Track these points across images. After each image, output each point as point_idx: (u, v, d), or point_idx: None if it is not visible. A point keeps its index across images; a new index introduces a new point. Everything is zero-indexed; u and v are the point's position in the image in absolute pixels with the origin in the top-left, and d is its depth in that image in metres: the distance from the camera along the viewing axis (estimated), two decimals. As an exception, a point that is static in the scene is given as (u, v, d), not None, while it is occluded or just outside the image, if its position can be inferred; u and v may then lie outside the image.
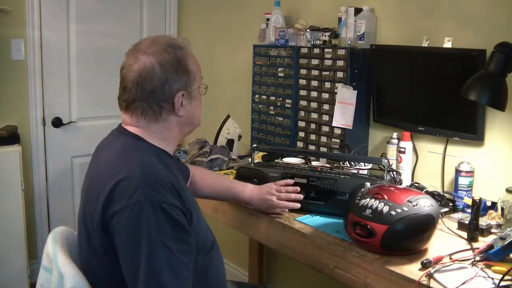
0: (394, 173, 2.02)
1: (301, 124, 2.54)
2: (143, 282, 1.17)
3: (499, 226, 1.74)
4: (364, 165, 2.14)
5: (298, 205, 1.85)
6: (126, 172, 1.25)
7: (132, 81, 1.34)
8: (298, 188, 1.86)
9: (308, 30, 2.49)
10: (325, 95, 2.39)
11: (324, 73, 2.39)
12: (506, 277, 1.36)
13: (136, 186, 1.21)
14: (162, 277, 1.18)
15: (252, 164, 2.08)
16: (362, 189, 1.68)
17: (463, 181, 1.96)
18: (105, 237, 1.24)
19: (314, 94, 2.45)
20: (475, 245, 1.62)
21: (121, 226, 1.21)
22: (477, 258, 1.50)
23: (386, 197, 1.57)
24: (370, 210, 1.55)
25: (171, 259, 1.19)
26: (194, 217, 1.34)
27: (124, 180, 1.23)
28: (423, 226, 1.53)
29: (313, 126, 2.48)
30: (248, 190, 1.88)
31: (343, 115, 2.30)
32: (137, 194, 1.20)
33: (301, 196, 1.85)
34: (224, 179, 2.03)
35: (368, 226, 1.53)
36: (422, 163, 2.20)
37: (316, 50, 2.41)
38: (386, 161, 1.93)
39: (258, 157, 2.56)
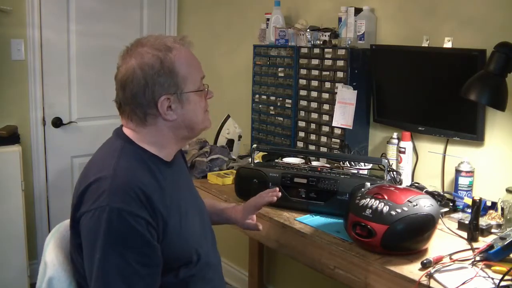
0: (394, 173, 2.02)
1: (301, 124, 2.54)
2: (93, 285, 1.18)
3: (499, 226, 1.74)
4: (364, 165, 2.14)
5: (274, 199, 1.63)
6: (99, 174, 1.23)
7: (118, 83, 1.33)
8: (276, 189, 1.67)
9: (308, 30, 2.49)
10: (325, 95, 2.39)
11: (324, 73, 2.39)
12: (506, 277, 1.36)
13: (102, 191, 1.20)
14: (110, 284, 1.16)
15: (252, 164, 2.08)
16: (362, 189, 1.68)
17: (463, 181, 1.96)
18: (75, 235, 1.26)
19: (314, 94, 2.45)
20: (475, 245, 1.62)
21: (83, 228, 1.21)
22: (477, 258, 1.50)
23: (386, 197, 1.57)
24: (370, 210, 1.55)
25: (124, 269, 1.17)
26: (172, 228, 1.28)
27: (95, 182, 1.22)
28: (423, 226, 1.53)
29: (313, 126, 2.48)
30: (232, 205, 1.77)
31: (343, 115, 2.30)
32: (101, 199, 1.18)
33: (278, 194, 1.64)
34: (210, 201, 1.83)
35: (368, 226, 1.53)
36: (422, 163, 2.20)
37: (316, 50, 2.41)
38: (386, 161, 1.93)
39: (258, 157, 2.56)
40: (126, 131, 1.36)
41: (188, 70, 1.33)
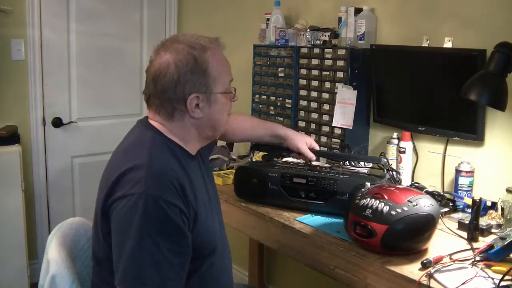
0: (394, 172, 2.02)
1: (301, 124, 2.54)
2: (122, 269, 1.18)
3: (499, 226, 1.74)
4: (365, 165, 2.14)
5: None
6: (133, 162, 1.25)
7: (149, 76, 1.35)
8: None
9: (308, 30, 2.49)
10: (325, 95, 2.39)
11: (324, 73, 2.39)
12: (506, 277, 1.37)
13: (139, 178, 1.21)
14: (143, 269, 1.17)
15: (251, 164, 2.07)
16: (362, 189, 1.68)
17: (463, 181, 1.96)
18: (105, 223, 1.27)
19: (314, 94, 2.45)
20: (475, 245, 1.62)
21: (116, 213, 1.22)
22: (477, 258, 1.50)
23: (386, 197, 1.57)
24: (370, 210, 1.55)
25: (156, 255, 1.18)
26: (201, 219, 1.31)
27: (130, 170, 1.24)
28: (423, 226, 1.53)
29: (313, 126, 2.48)
30: (289, 132, 1.95)
31: (343, 115, 2.30)
32: (138, 186, 1.20)
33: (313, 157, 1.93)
34: (261, 122, 2.07)
35: (368, 226, 1.53)
36: (422, 163, 2.20)
37: (316, 50, 2.41)
38: (385, 160, 1.93)
39: (258, 157, 2.56)
40: (153, 123, 1.38)
41: (220, 71, 1.37)
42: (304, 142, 1.91)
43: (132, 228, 1.18)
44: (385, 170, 1.89)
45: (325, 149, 2.42)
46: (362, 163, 2.15)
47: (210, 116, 1.37)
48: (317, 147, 1.96)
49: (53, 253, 1.37)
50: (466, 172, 1.95)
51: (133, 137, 1.39)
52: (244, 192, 2.02)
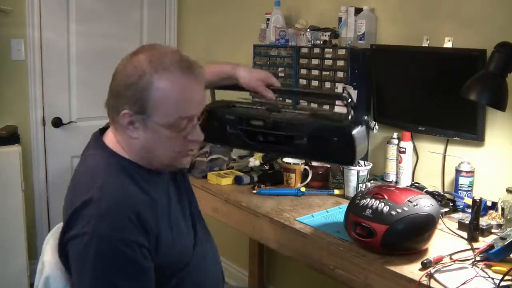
0: (353, 109, 1.60)
1: (301, 124, 2.53)
2: None
3: (499, 226, 1.74)
4: (365, 165, 2.14)
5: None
6: (86, 196, 1.17)
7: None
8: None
9: (308, 30, 2.49)
10: (325, 95, 2.39)
11: (324, 73, 2.39)
12: (507, 277, 1.36)
13: (90, 215, 1.13)
14: None
15: (212, 106, 1.80)
16: (363, 189, 1.68)
17: (463, 181, 1.96)
18: (64, 261, 1.22)
19: (314, 94, 2.45)
20: (475, 245, 1.62)
21: (71, 254, 1.17)
22: (478, 258, 1.50)
23: (386, 197, 1.57)
24: (370, 210, 1.55)
25: None
26: (166, 239, 1.23)
27: (83, 206, 1.16)
28: (423, 226, 1.53)
29: (313, 126, 2.47)
30: (240, 69, 1.73)
31: (343, 115, 2.30)
32: (89, 225, 1.12)
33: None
34: (215, 65, 1.84)
35: (368, 226, 1.53)
36: (422, 163, 2.20)
37: (316, 50, 2.41)
38: (346, 95, 1.59)
39: (258, 157, 2.56)
40: (107, 136, 1.30)
41: (165, 102, 1.18)
42: (258, 80, 1.65)
43: (87, 271, 1.11)
44: (348, 106, 1.59)
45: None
46: (362, 162, 2.15)
47: (147, 142, 1.22)
48: (276, 84, 1.69)
49: (48, 255, 1.36)
50: (466, 172, 1.95)
51: (88, 162, 1.28)
52: (207, 137, 1.73)
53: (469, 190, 1.95)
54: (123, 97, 1.19)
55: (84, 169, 1.28)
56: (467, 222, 1.71)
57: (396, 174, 2.19)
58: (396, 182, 2.18)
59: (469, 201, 1.83)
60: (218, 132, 1.74)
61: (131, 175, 1.23)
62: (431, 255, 1.54)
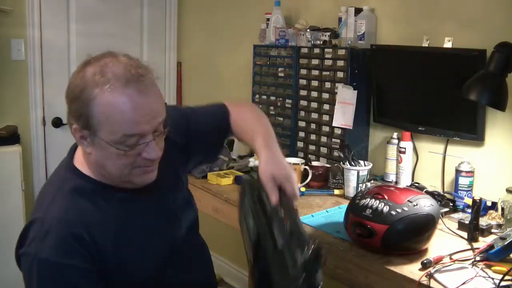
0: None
1: (301, 124, 2.54)
2: None
3: (499, 226, 1.74)
4: (364, 165, 2.14)
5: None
6: (34, 215, 1.16)
7: None
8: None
9: (308, 30, 2.49)
10: (325, 95, 2.39)
11: (324, 73, 2.39)
12: (506, 277, 1.36)
13: (33, 236, 1.12)
14: None
15: None
16: (363, 189, 1.68)
17: (463, 181, 1.95)
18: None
19: (314, 94, 2.45)
20: (475, 245, 1.62)
21: (22, 270, 1.16)
22: (477, 258, 1.50)
23: (386, 197, 1.57)
24: (370, 210, 1.55)
25: None
26: (113, 257, 1.15)
27: (29, 225, 1.16)
28: (423, 226, 1.53)
29: (313, 126, 2.48)
30: (262, 155, 1.36)
31: (343, 115, 2.30)
32: (33, 245, 1.11)
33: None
34: (255, 131, 1.44)
35: (368, 226, 1.53)
36: (422, 163, 2.20)
37: (316, 50, 2.41)
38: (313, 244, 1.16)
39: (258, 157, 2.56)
40: (77, 151, 1.25)
41: (107, 118, 1.08)
42: (271, 176, 1.25)
43: None
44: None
45: (325, 149, 2.42)
46: (362, 162, 2.15)
47: (98, 158, 1.15)
48: (288, 190, 1.26)
49: None
50: (466, 172, 1.95)
51: (51, 177, 1.27)
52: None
53: (469, 190, 1.95)
54: (70, 110, 1.14)
55: (45, 184, 1.28)
56: (467, 222, 1.71)
57: (396, 174, 2.19)
58: (396, 182, 2.18)
59: (469, 201, 1.83)
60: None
61: (85, 193, 1.17)
62: (431, 255, 1.54)
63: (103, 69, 1.09)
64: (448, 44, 2.01)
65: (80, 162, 1.22)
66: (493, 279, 1.39)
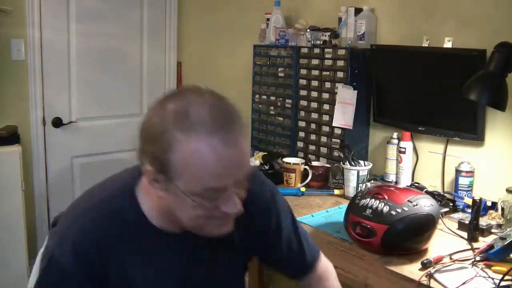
0: None
1: (301, 124, 2.54)
2: None
3: (499, 226, 1.74)
4: (365, 165, 2.14)
5: None
6: (67, 212, 1.16)
7: None
8: None
9: (308, 30, 2.49)
10: (325, 95, 2.39)
11: (324, 73, 2.39)
12: (506, 277, 1.37)
13: (55, 231, 1.13)
14: None
15: None
16: (363, 189, 1.68)
17: (463, 181, 1.96)
18: None
19: (314, 94, 2.45)
20: (475, 245, 1.62)
21: None
22: (477, 258, 1.50)
23: (386, 197, 1.57)
24: (370, 210, 1.55)
25: None
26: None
27: (58, 217, 1.18)
28: (423, 226, 1.53)
29: (313, 126, 2.48)
30: None
31: (343, 115, 2.30)
32: (51, 240, 1.12)
33: None
34: None
35: (368, 226, 1.53)
36: (422, 163, 2.20)
37: (316, 50, 2.41)
38: None
39: (258, 157, 2.56)
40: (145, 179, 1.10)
41: (188, 167, 0.95)
42: None
43: (35, 280, 1.11)
44: None
45: (325, 149, 2.42)
46: (362, 162, 2.15)
47: (171, 205, 1.03)
48: None
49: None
50: (466, 172, 1.95)
51: (105, 181, 1.18)
52: None
53: (469, 190, 1.95)
54: (146, 150, 1.00)
55: (97, 184, 1.19)
56: (467, 222, 1.71)
57: (396, 174, 2.19)
58: (396, 182, 2.18)
59: (469, 201, 1.83)
60: None
61: (119, 216, 1.09)
62: (431, 255, 1.54)
63: (187, 110, 0.96)
64: (448, 44, 2.01)
65: (144, 193, 1.10)
66: (493, 279, 1.39)
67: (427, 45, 2.09)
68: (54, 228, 1.17)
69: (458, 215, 1.87)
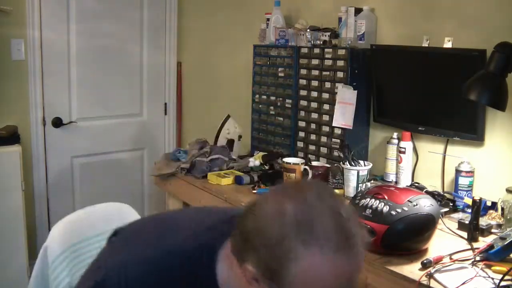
0: None
1: (301, 124, 2.54)
2: None
3: (499, 226, 1.74)
4: (364, 165, 2.14)
5: None
6: (121, 248, 1.06)
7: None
8: None
9: (308, 30, 2.49)
10: (325, 95, 2.39)
11: (324, 73, 2.39)
12: (506, 277, 1.37)
13: (99, 262, 1.08)
14: None
15: None
16: (363, 189, 1.68)
17: (463, 181, 1.96)
18: None
19: (314, 94, 2.45)
20: (475, 245, 1.62)
21: None
22: (477, 258, 1.50)
23: (386, 197, 1.57)
24: (370, 210, 1.55)
25: None
26: None
27: (108, 247, 1.12)
28: (423, 226, 1.53)
29: (313, 126, 2.48)
30: None
31: (343, 115, 2.30)
32: (93, 271, 1.06)
33: None
34: None
35: (368, 226, 1.53)
36: (422, 163, 2.20)
37: (316, 50, 2.41)
38: None
39: (258, 157, 2.56)
40: (225, 252, 1.00)
41: (306, 284, 0.87)
42: None
43: None
44: None
45: (325, 149, 2.42)
46: (362, 162, 2.15)
47: None
48: None
49: (55, 230, 1.41)
50: (466, 172, 1.95)
51: (178, 233, 1.05)
52: None
53: (469, 190, 1.95)
54: (253, 250, 0.90)
55: (181, 212, 1.12)
56: (467, 222, 1.71)
57: (396, 174, 2.19)
58: (396, 182, 2.18)
59: (469, 201, 1.83)
60: None
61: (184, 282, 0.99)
62: (431, 255, 1.54)
63: (309, 218, 0.87)
64: (448, 44, 2.01)
65: (226, 263, 0.99)
66: (493, 279, 1.39)
67: (427, 45, 2.09)
68: (116, 246, 1.08)
69: (458, 215, 1.87)
